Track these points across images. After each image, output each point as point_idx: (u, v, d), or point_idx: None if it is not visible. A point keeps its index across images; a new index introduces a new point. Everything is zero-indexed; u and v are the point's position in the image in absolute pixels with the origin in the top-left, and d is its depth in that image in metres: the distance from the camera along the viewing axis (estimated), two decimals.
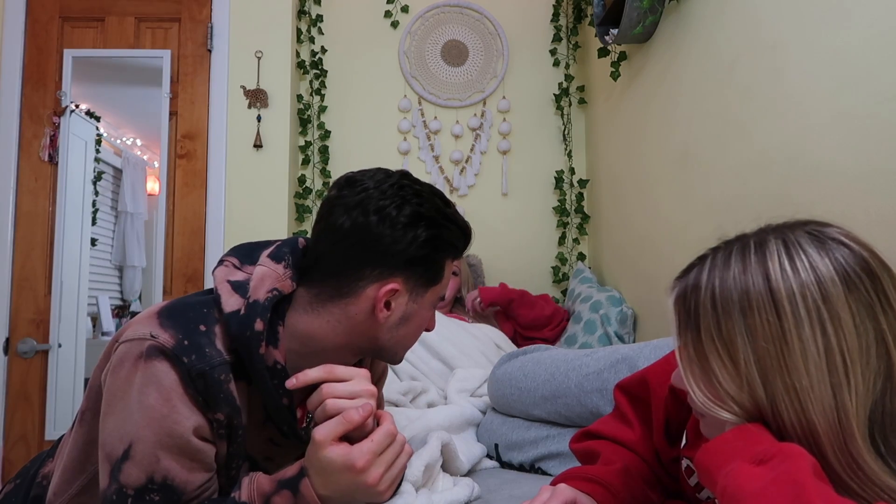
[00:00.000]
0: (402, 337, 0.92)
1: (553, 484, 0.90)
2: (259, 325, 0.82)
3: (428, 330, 0.97)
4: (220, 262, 0.92)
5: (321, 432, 0.79)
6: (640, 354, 1.23)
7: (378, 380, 1.06)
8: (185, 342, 0.79)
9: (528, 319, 2.21)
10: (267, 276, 0.87)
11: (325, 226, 0.89)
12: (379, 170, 0.92)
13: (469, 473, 1.26)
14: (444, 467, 1.13)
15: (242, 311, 0.82)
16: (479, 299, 2.24)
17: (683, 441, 0.85)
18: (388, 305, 0.88)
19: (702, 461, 0.64)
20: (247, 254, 0.93)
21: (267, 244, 0.94)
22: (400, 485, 0.90)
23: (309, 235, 0.94)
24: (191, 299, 0.87)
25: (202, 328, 0.82)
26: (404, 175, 0.91)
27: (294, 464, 0.83)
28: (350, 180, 0.89)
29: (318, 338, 0.88)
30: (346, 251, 0.86)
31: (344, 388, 0.82)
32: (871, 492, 0.59)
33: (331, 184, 0.93)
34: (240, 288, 0.86)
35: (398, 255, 0.86)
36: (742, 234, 0.69)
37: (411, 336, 0.95)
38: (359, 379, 0.83)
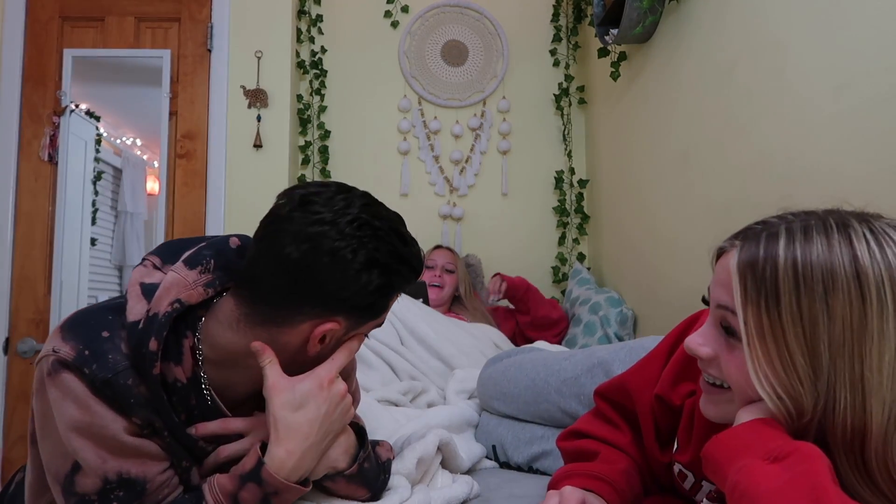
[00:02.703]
0: (325, 357, 0.85)
1: (553, 481, 0.90)
2: (153, 345, 0.77)
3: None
4: (142, 259, 0.87)
5: (271, 381, 0.80)
6: (616, 358, 1.24)
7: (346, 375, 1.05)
8: (86, 352, 0.77)
9: (538, 314, 2.23)
10: (174, 284, 0.81)
11: (267, 248, 0.79)
12: (337, 191, 0.81)
13: (469, 472, 1.26)
14: (445, 465, 1.13)
15: (141, 325, 0.78)
16: (502, 283, 2.26)
17: (675, 446, 0.84)
18: (322, 340, 0.82)
19: (711, 454, 0.63)
20: (174, 252, 0.87)
21: (195, 242, 0.88)
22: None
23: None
24: (98, 305, 0.85)
25: (105, 334, 0.79)
26: (365, 206, 0.81)
27: (250, 453, 0.81)
28: (305, 201, 0.79)
29: (240, 354, 0.83)
30: (289, 285, 0.78)
31: (239, 447, 0.85)
32: (892, 493, 0.59)
33: (282, 193, 0.82)
34: (149, 293, 0.82)
35: (344, 301, 0.80)
36: (810, 211, 0.65)
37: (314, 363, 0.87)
38: (255, 433, 0.86)
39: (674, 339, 0.90)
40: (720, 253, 0.69)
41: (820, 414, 0.60)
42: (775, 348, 0.60)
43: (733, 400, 0.67)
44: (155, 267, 0.86)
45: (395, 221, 0.84)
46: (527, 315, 2.25)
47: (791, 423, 0.61)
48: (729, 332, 0.66)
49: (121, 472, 0.78)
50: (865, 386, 0.58)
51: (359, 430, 0.94)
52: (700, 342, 0.68)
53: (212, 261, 0.85)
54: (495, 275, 2.32)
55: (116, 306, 0.83)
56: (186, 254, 0.85)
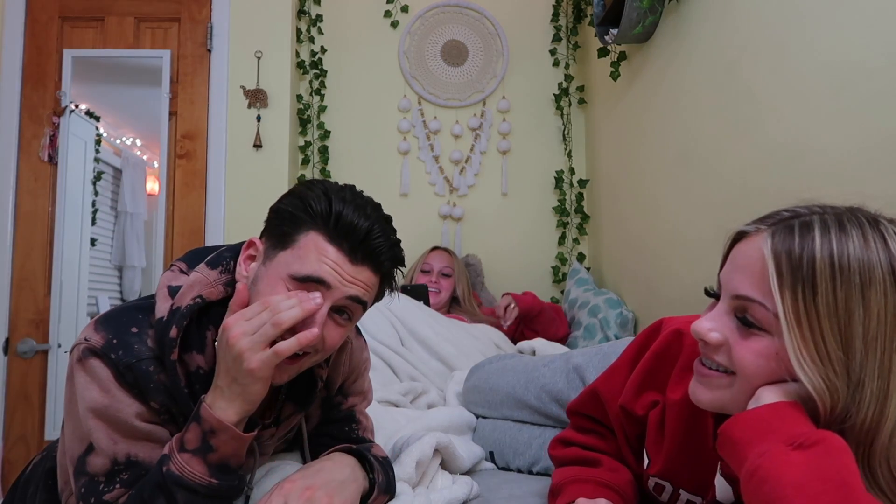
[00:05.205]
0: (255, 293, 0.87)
1: (556, 484, 0.89)
2: (173, 333, 0.84)
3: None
4: (170, 265, 0.94)
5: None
6: (590, 364, 1.28)
7: (347, 377, 1.05)
8: (114, 341, 0.84)
9: (547, 334, 2.16)
10: (196, 282, 0.88)
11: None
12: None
13: (469, 473, 1.26)
14: (445, 466, 1.13)
15: (164, 318, 0.85)
16: (513, 305, 2.16)
17: (646, 461, 0.83)
18: (248, 263, 0.89)
19: (731, 433, 0.62)
20: (199, 257, 0.94)
21: (219, 248, 0.95)
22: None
23: None
24: (131, 304, 0.91)
25: (133, 330, 0.86)
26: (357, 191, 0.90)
27: None
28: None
29: None
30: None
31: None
32: (891, 490, 0.59)
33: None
34: (175, 293, 0.89)
35: (269, 219, 0.88)
36: (835, 206, 0.65)
37: None
38: None
39: (637, 348, 0.89)
40: (740, 237, 0.68)
41: (848, 404, 0.59)
42: (811, 338, 0.60)
43: (730, 386, 0.66)
44: (181, 271, 0.92)
45: (364, 199, 0.87)
46: (535, 334, 2.18)
47: (823, 413, 0.60)
48: (745, 322, 0.64)
49: (129, 455, 0.84)
50: (891, 380, 0.58)
51: (357, 453, 0.95)
52: (709, 327, 0.66)
53: (231, 262, 0.91)
54: (505, 294, 2.22)
55: (147, 306, 0.90)
56: (209, 256, 0.92)
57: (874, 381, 0.58)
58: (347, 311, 0.86)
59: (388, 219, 0.89)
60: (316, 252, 0.82)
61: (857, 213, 0.63)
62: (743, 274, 0.65)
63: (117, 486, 0.83)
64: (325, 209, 0.83)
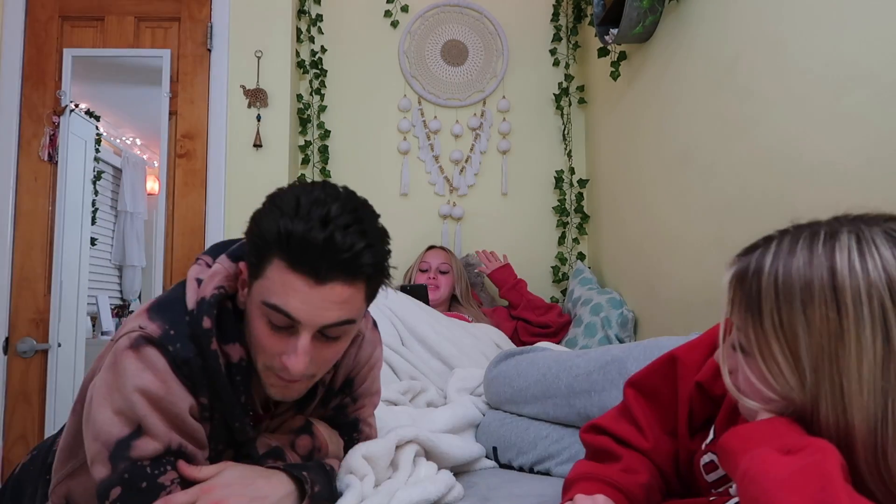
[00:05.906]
0: (252, 341, 0.86)
1: (570, 478, 0.87)
2: (207, 323, 0.84)
3: (258, 345, 0.85)
4: (196, 259, 0.95)
5: None
6: (630, 356, 1.24)
7: (352, 371, 1.03)
8: (171, 332, 0.84)
9: (536, 309, 2.32)
10: (217, 273, 0.89)
11: None
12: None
13: (468, 473, 1.26)
14: (432, 459, 1.12)
15: (195, 310, 0.86)
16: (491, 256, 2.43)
17: (710, 436, 0.83)
18: (244, 289, 0.88)
19: (727, 444, 0.63)
20: (222, 250, 0.95)
21: (240, 241, 0.95)
22: None
23: None
24: (175, 296, 0.90)
25: (187, 319, 0.86)
26: (334, 188, 0.84)
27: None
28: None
29: None
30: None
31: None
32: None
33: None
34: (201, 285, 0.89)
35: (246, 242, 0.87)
36: (814, 221, 0.66)
37: (254, 343, 0.86)
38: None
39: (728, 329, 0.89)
40: None
41: (813, 416, 0.61)
42: (761, 359, 0.63)
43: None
44: (207, 265, 0.93)
45: (337, 205, 0.78)
46: (519, 302, 2.34)
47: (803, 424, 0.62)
48: (737, 348, 0.67)
49: (181, 445, 0.84)
50: (846, 396, 0.59)
51: (296, 478, 0.91)
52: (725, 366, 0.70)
53: None
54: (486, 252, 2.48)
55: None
56: (231, 248, 0.94)
57: (826, 399, 0.60)
58: (332, 332, 0.83)
59: (358, 213, 0.80)
60: (281, 285, 0.78)
61: (822, 229, 0.63)
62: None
63: (169, 468, 0.82)
64: (275, 232, 0.78)
